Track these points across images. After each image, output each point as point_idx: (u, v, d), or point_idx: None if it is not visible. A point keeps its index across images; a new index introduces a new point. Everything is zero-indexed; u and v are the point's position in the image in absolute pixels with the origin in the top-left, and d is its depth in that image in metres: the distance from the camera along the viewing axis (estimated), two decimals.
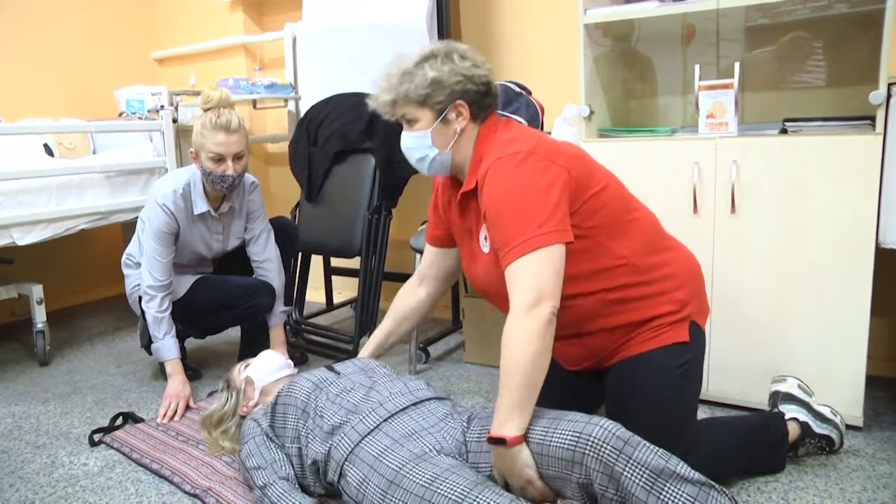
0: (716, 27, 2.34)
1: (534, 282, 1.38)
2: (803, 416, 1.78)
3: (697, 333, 1.62)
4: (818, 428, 1.78)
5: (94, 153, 3.35)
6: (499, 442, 1.36)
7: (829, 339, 1.96)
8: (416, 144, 1.59)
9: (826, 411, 1.81)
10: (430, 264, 1.90)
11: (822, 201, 1.93)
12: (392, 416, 1.54)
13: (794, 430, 1.77)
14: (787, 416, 1.78)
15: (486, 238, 1.58)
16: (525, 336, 1.36)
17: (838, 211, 1.91)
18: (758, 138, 2.03)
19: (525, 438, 1.37)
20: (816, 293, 1.96)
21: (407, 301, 1.93)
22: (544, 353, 1.37)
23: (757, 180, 2.01)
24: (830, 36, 2.30)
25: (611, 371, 1.64)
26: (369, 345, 1.94)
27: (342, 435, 1.53)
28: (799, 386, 1.85)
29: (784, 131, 2.07)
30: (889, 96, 1.86)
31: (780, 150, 1.99)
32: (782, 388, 1.84)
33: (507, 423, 1.36)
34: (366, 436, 1.50)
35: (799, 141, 1.98)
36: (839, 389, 1.96)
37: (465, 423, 1.53)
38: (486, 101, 1.59)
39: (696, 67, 2.09)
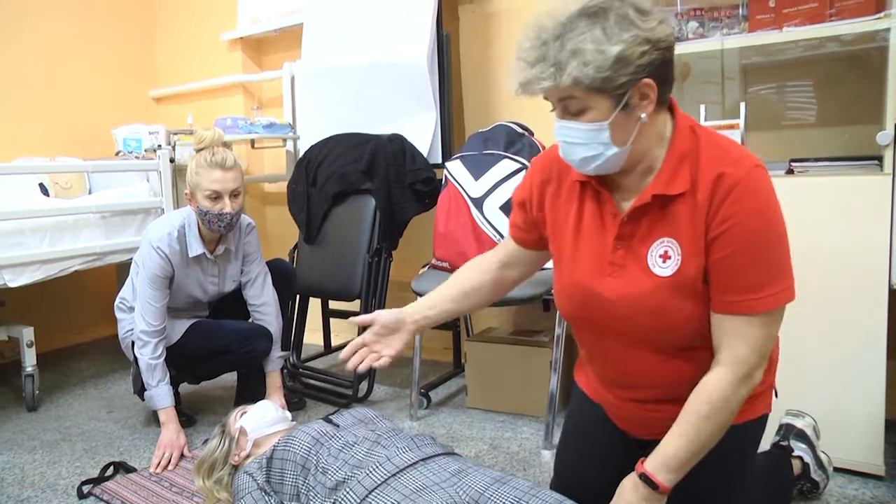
0: (720, 66, 2.34)
1: (767, 345, 1.20)
2: (808, 457, 1.76)
3: (773, 401, 1.45)
4: (814, 474, 1.76)
5: (89, 192, 3.32)
6: (650, 484, 1.21)
7: (844, 385, 1.92)
8: (587, 140, 1.19)
9: (824, 459, 1.80)
10: (514, 256, 1.54)
11: (833, 243, 1.90)
12: (400, 471, 1.47)
13: (796, 468, 1.74)
14: (794, 453, 1.76)
15: (664, 256, 1.24)
16: (735, 404, 1.20)
17: (849, 253, 1.88)
18: None
19: None
20: (829, 337, 1.92)
21: (484, 279, 1.55)
22: None
23: None
24: (829, 75, 2.31)
25: None
26: (414, 304, 1.55)
27: (347, 490, 1.46)
28: (814, 428, 1.82)
29: (791, 171, 2.04)
30: None
31: (788, 190, 1.94)
32: (798, 423, 1.80)
33: (667, 472, 1.20)
34: (373, 490, 1.43)
35: (806, 181, 1.96)
36: (857, 436, 1.91)
37: (492, 483, 1.40)
38: (671, 73, 1.20)
39: (702, 107, 2.08)
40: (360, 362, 1.48)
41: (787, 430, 1.80)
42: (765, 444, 1.81)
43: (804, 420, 1.80)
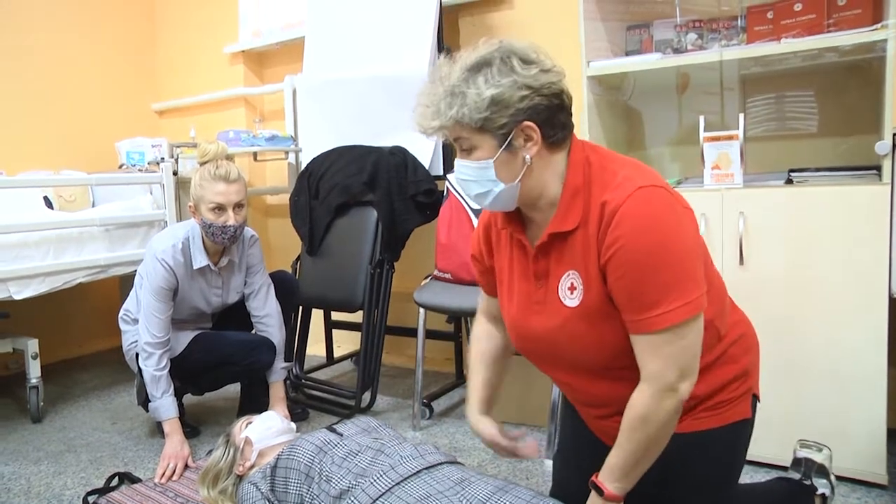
0: (718, 78, 2.36)
1: (683, 358, 1.21)
2: (828, 492, 1.71)
3: (755, 407, 1.44)
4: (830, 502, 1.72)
5: (93, 205, 3.34)
6: (598, 491, 1.28)
7: (845, 393, 1.92)
8: (477, 177, 1.27)
9: (833, 479, 1.76)
10: (492, 308, 1.60)
11: (832, 252, 1.91)
12: (404, 479, 1.48)
13: None
14: (818, 492, 1.69)
15: (571, 288, 1.30)
16: (662, 416, 1.22)
17: (849, 262, 1.89)
18: (764, 189, 2.02)
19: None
20: (831, 346, 1.93)
21: (495, 345, 1.62)
22: (673, 429, 1.27)
23: (765, 231, 1.99)
24: (827, 85, 2.33)
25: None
26: (473, 405, 1.59)
27: (352, 499, 1.46)
28: (830, 458, 1.76)
29: (789, 181, 2.06)
30: (894, 146, 1.85)
31: (787, 200, 1.98)
32: (818, 458, 1.73)
33: (611, 481, 1.27)
34: (377, 499, 1.44)
35: (805, 191, 1.98)
36: (859, 445, 1.92)
37: (495, 492, 1.41)
38: (558, 117, 1.26)
39: (701, 119, 2.09)
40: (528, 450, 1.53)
41: (807, 467, 1.73)
42: (761, 451, 1.80)
43: (822, 454, 1.74)
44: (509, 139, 1.23)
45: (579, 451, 1.57)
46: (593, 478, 1.30)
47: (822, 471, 1.71)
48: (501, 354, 1.61)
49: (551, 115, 1.24)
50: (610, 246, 1.20)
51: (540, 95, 1.22)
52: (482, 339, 1.63)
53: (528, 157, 1.24)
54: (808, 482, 1.70)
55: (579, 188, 1.26)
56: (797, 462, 1.75)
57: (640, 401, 1.23)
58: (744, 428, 1.41)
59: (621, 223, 1.19)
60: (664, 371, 1.21)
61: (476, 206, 2.55)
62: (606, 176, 1.26)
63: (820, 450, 1.75)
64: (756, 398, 1.44)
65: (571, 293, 1.30)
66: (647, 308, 1.19)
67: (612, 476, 1.27)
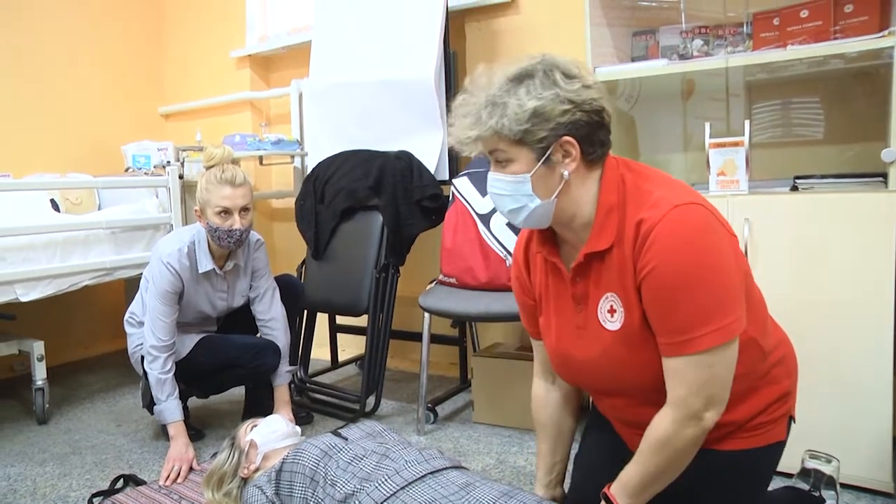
0: (724, 84, 2.36)
1: (712, 386, 1.18)
2: (834, 503, 1.70)
3: (790, 428, 1.42)
4: None
5: (99, 208, 3.35)
6: (609, 503, 1.29)
7: (851, 401, 1.92)
8: (512, 191, 1.24)
9: (839, 489, 1.75)
10: (545, 357, 1.55)
11: (838, 260, 1.91)
12: (409, 484, 1.48)
13: None
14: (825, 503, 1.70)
15: (611, 311, 1.28)
16: (682, 443, 1.21)
17: (854, 269, 1.89)
18: (769, 196, 2.02)
19: None
20: (835, 354, 1.93)
21: (551, 412, 1.58)
22: (694, 454, 1.25)
23: (770, 238, 1.99)
24: (833, 92, 2.33)
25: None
26: (538, 476, 1.61)
27: (356, 502, 1.47)
28: (838, 469, 1.76)
29: (795, 188, 2.06)
30: None
31: (793, 207, 1.98)
32: (827, 470, 1.71)
33: (624, 496, 1.27)
34: (382, 503, 1.45)
35: (811, 198, 1.97)
36: (864, 453, 1.91)
37: (500, 497, 1.41)
38: (598, 134, 1.24)
39: (707, 125, 2.09)
40: None
41: (816, 479, 1.70)
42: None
43: (832, 465, 1.72)
44: (548, 153, 1.21)
45: (601, 464, 1.55)
46: (606, 489, 1.30)
47: (831, 482, 1.70)
48: (559, 421, 1.58)
49: (591, 132, 1.23)
50: (644, 266, 1.18)
51: (581, 111, 1.20)
52: (538, 409, 1.61)
53: (566, 172, 1.23)
54: (817, 493, 1.70)
55: (613, 206, 1.24)
56: (805, 472, 1.74)
57: (661, 425, 1.22)
58: (778, 449, 1.40)
59: (656, 242, 1.17)
60: (690, 398, 1.18)
61: (482, 212, 2.55)
62: (642, 195, 1.23)
63: (829, 461, 1.74)
64: (792, 420, 1.43)
65: (612, 316, 1.28)
66: (678, 331, 1.17)
67: (624, 491, 1.28)
